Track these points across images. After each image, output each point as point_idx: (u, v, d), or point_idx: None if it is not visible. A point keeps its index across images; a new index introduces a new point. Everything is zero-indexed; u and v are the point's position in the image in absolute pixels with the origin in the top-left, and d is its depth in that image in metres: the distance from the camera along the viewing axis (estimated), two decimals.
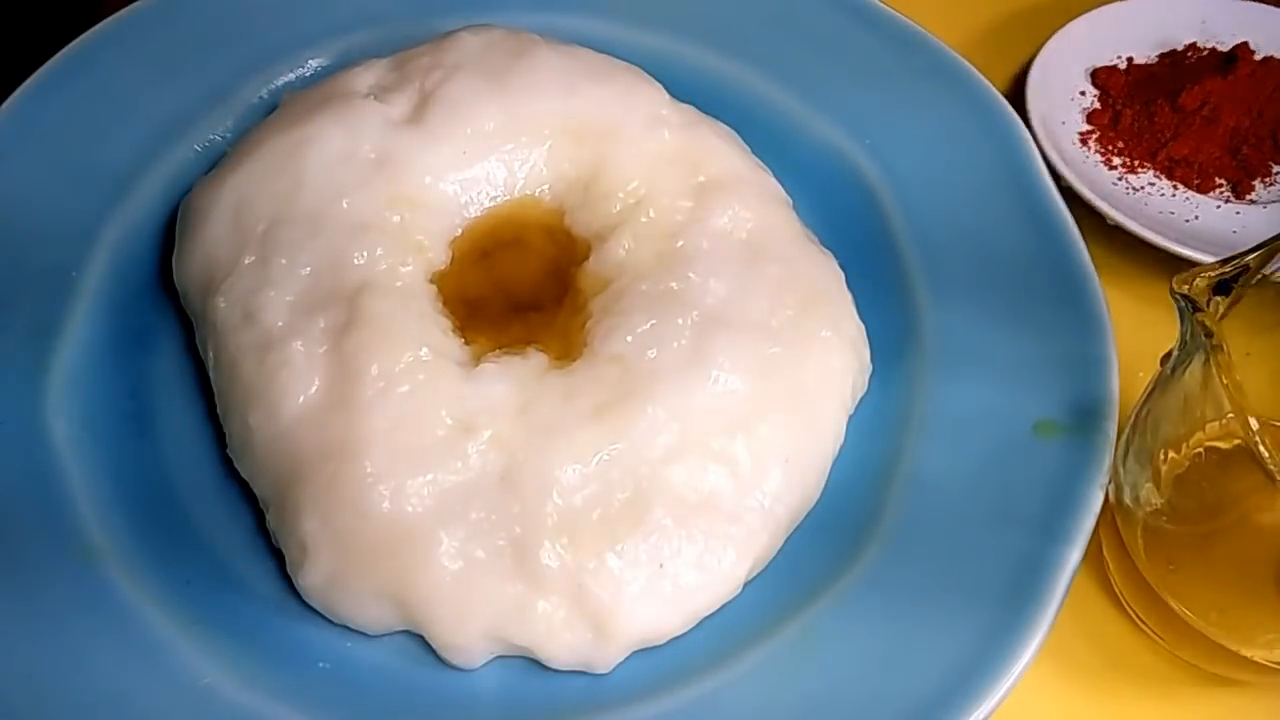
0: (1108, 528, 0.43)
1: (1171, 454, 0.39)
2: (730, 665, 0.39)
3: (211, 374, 0.44)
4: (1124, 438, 0.41)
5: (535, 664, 0.40)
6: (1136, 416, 0.41)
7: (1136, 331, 0.45)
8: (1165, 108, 0.54)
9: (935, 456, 0.43)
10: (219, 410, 0.43)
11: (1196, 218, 0.52)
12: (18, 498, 0.41)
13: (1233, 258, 0.36)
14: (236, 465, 0.43)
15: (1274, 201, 0.52)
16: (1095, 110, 0.55)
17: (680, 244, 0.44)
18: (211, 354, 0.43)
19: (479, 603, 0.39)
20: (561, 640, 0.39)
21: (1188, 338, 0.36)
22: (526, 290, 0.45)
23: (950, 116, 0.50)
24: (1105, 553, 0.44)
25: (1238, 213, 0.52)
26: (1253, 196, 0.53)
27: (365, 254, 0.43)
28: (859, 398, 0.45)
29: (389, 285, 0.43)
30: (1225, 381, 0.34)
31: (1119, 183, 0.53)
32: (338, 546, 0.39)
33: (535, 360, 0.42)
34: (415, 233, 0.44)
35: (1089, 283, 0.45)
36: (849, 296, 0.46)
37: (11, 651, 0.38)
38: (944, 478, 0.42)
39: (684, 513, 0.40)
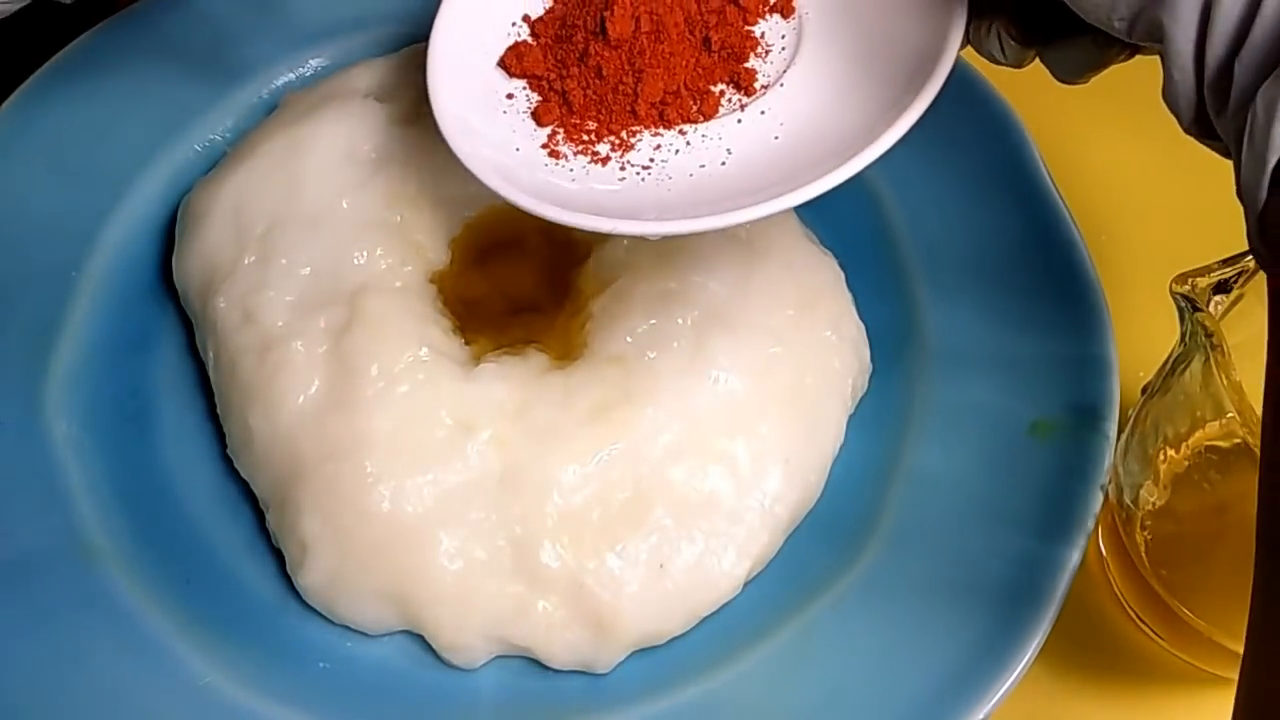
0: (1108, 528, 0.43)
1: (1171, 454, 0.39)
2: (730, 665, 0.39)
3: (211, 374, 0.44)
4: (1124, 438, 0.41)
5: (535, 664, 0.40)
6: (1136, 416, 0.41)
7: (1136, 331, 0.45)
8: (602, 53, 0.39)
9: (935, 456, 0.43)
10: (219, 410, 0.43)
11: (730, 151, 0.39)
12: (18, 498, 0.41)
13: (1233, 258, 0.36)
14: (236, 465, 0.43)
15: (784, 70, 0.40)
16: (540, 106, 0.40)
17: (680, 243, 0.44)
18: (211, 354, 0.44)
19: (479, 603, 0.39)
20: (561, 640, 0.39)
21: (1188, 338, 0.36)
22: (526, 290, 0.45)
23: (950, 116, 0.50)
24: (1105, 553, 0.44)
25: (763, 111, 0.39)
26: (761, 79, 0.40)
27: (365, 254, 0.43)
28: (859, 398, 0.45)
29: (389, 285, 0.43)
30: (1225, 381, 0.34)
31: (623, 176, 0.38)
32: (338, 546, 0.39)
33: (535, 360, 0.42)
34: (415, 232, 0.44)
35: (1089, 283, 0.44)
36: (849, 296, 0.46)
37: (11, 651, 0.38)
38: (944, 477, 0.42)
39: (684, 513, 0.40)
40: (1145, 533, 0.41)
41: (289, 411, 0.40)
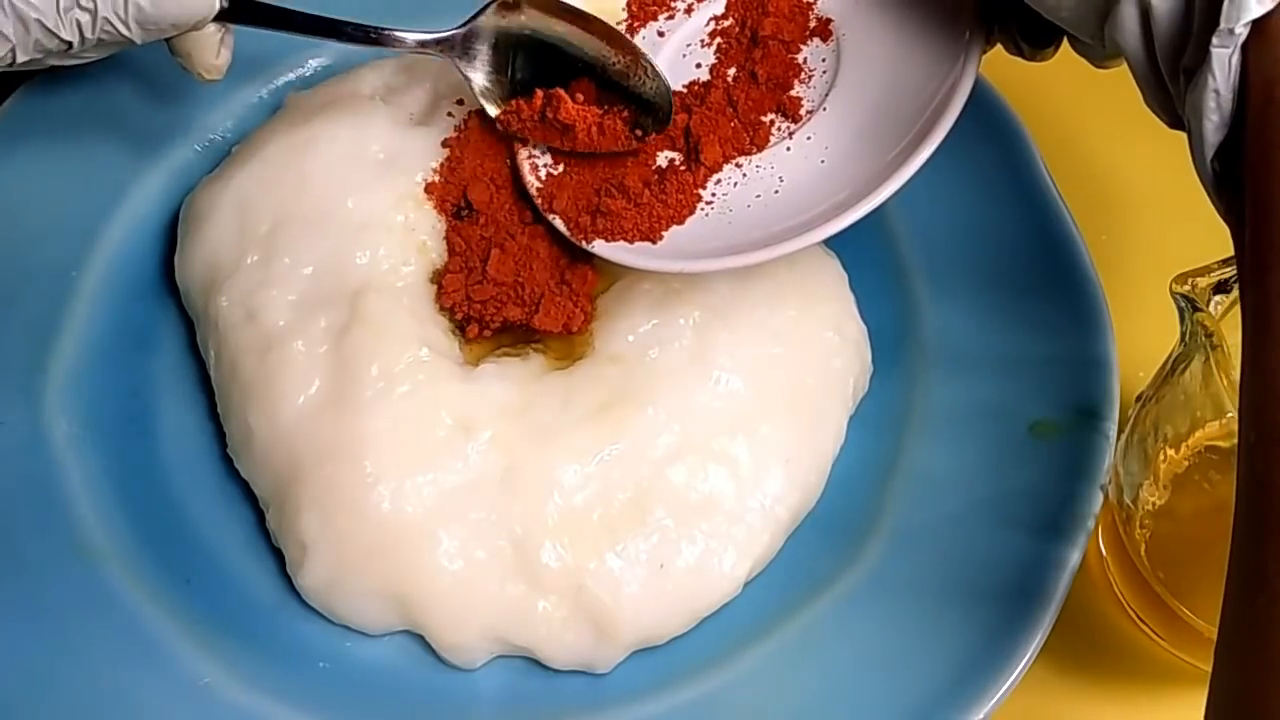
0: (1108, 528, 0.43)
1: (1171, 454, 0.39)
2: (730, 665, 0.39)
3: (212, 373, 0.44)
4: (1124, 438, 0.41)
5: (535, 664, 0.40)
6: (1136, 416, 0.41)
7: (1136, 331, 0.45)
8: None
9: (936, 456, 0.43)
10: (219, 410, 0.43)
11: (782, 179, 0.41)
12: (18, 498, 0.41)
13: (1233, 258, 0.36)
14: (236, 465, 0.43)
15: (826, 93, 0.42)
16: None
17: None
18: (213, 353, 0.43)
19: (479, 603, 0.39)
20: (562, 640, 0.39)
21: (1188, 338, 0.36)
22: None
23: None
24: (1105, 553, 0.44)
25: (809, 137, 0.42)
26: (806, 104, 0.42)
27: (368, 254, 0.43)
28: (860, 398, 0.45)
29: (390, 285, 0.43)
30: (1225, 381, 0.34)
31: (705, 215, 0.41)
32: (337, 546, 0.39)
33: (535, 361, 0.42)
34: (419, 232, 0.44)
35: (1089, 283, 0.45)
36: (851, 297, 0.46)
37: (12, 651, 0.38)
38: (944, 477, 0.42)
39: (684, 513, 0.40)
40: (1145, 533, 0.41)
41: (289, 411, 0.40)
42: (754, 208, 0.41)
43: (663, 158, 0.43)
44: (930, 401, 0.44)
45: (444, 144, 0.45)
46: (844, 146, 0.41)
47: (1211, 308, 0.35)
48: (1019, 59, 0.40)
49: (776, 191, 0.41)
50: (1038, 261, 0.46)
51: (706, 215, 0.41)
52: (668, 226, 0.41)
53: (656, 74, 0.42)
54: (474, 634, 0.39)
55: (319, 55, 0.51)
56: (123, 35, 0.37)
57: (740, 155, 0.42)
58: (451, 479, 0.40)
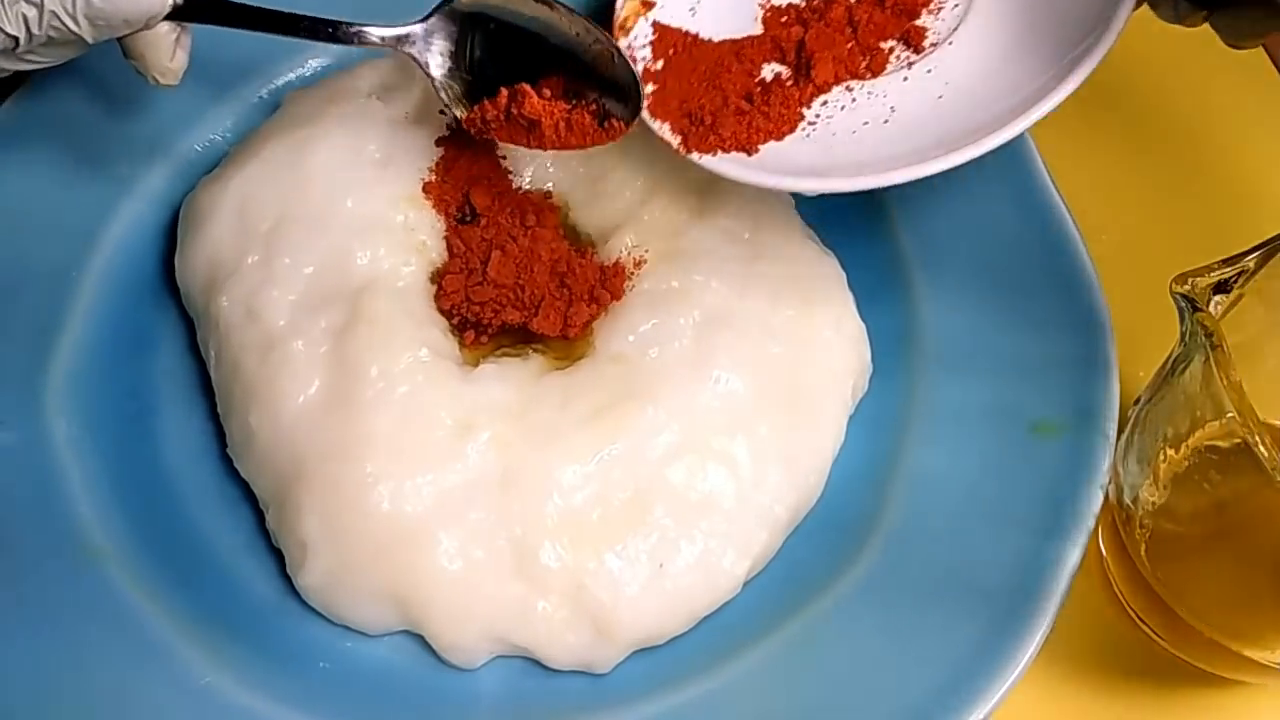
0: (1108, 528, 0.43)
1: (1171, 454, 0.39)
2: (730, 665, 0.40)
3: (213, 373, 0.44)
4: (1124, 438, 0.41)
5: (535, 664, 0.40)
6: (1136, 416, 0.41)
7: (1136, 331, 0.45)
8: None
9: (935, 456, 0.43)
10: (220, 410, 0.43)
11: (894, 109, 0.40)
12: (18, 498, 0.41)
13: (1233, 258, 0.36)
14: (237, 465, 0.43)
15: (955, 27, 0.41)
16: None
17: (683, 243, 0.44)
18: (213, 353, 0.44)
19: (479, 603, 0.39)
20: (561, 640, 0.39)
21: (1188, 338, 0.36)
22: None
23: None
24: (1105, 553, 0.44)
25: (930, 70, 0.40)
26: (931, 36, 0.41)
27: (368, 253, 0.43)
28: (859, 397, 0.45)
29: (391, 285, 0.43)
30: (1225, 381, 0.34)
31: (807, 135, 0.40)
32: (337, 546, 0.39)
33: (534, 362, 0.43)
34: (418, 232, 0.44)
35: (1089, 283, 0.44)
36: (850, 297, 0.46)
37: (12, 651, 0.38)
38: (944, 477, 0.42)
39: (684, 512, 0.40)
40: (1145, 532, 0.41)
41: (290, 411, 0.40)
42: (859, 134, 0.39)
43: (769, 70, 0.41)
44: (930, 401, 0.44)
45: (437, 143, 0.45)
46: (965, 85, 0.39)
47: (1211, 308, 0.35)
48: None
49: (886, 121, 0.39)
50: (1038, 262, 0.46)
51: (808, 135, 0.39)
52: (765, 140, 0.39)
53: (625, 61, 0.41)
54: (474, 634, 0.39)
55: (319, 56, 0.51)
56: (72, 32, 0.36)
57: (853, 78, 0.40)
58: (451, 479, 0.40)
